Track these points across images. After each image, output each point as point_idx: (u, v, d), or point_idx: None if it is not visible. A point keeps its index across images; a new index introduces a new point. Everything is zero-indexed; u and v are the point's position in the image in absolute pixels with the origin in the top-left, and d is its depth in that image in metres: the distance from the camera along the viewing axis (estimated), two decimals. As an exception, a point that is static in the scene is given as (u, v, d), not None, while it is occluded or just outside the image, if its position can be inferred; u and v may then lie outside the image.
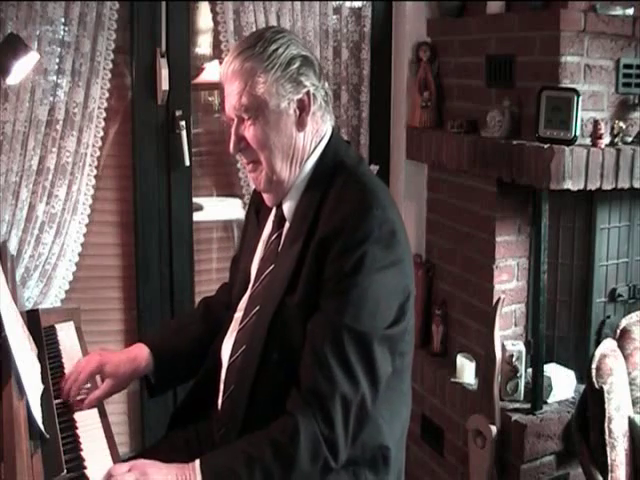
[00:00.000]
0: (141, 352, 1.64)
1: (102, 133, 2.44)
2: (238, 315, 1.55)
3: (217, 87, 2.73)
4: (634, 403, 2.04)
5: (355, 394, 1.31)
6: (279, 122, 1.41)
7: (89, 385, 1.61)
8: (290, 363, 1.36)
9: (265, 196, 1.52)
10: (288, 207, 1.47)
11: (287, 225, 1.48)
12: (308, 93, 1.42)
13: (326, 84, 1.50)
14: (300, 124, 1.43)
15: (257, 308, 1.47)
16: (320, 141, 1.47)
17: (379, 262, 1.33)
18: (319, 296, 1.35)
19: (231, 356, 1.50)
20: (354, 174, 1.43)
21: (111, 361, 1.61)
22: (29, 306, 2.37)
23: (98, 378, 1.62)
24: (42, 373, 1.58)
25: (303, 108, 1.42)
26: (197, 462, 1.28)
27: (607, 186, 2.22)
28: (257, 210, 1.63)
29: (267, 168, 1.43)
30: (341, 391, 1.30)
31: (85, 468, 1.32)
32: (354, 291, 1.31)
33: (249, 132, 1.41)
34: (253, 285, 1.53)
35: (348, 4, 2.76)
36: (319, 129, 1.46)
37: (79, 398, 1.57)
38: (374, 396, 1.35)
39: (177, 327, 1.77)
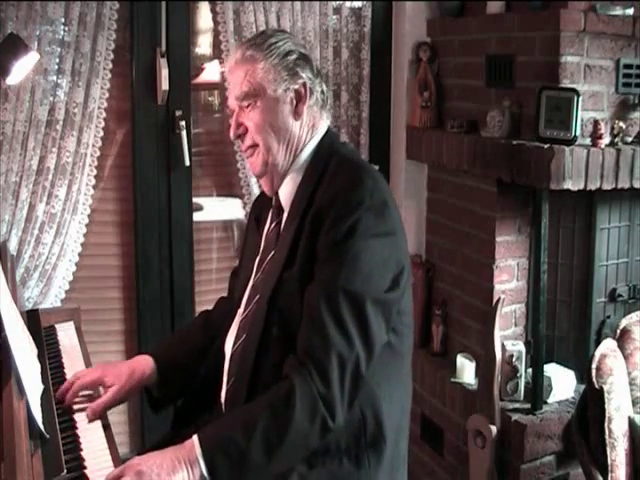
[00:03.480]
0: (144, 361, 1.64)
1: (102, 133, 2.44)
2: (241, 310, 1.56)
3: (217, 87, 2.74)
4: (634, 403, 2.04)
5: (350, 353, 1.32)
6: (276, 108, 1.47)
7: (90, 392, 1.59)
8: (290, 341, 1.37)
9: (262, 182, 1.57)
10: (285, 196, 1.52)
11: (285, 214, 1.51)
12: (304, 85, 1.48)
13: (324, 86, 1.55)
14: (296, 113, 1.49)
15: (258, 296, 1.49)
16: (316, 135, 1.52)
17: (371, 229, 1.36)
18: (315, 266, 1.37)
19: (233, 346, 1.52)
20: (348, 158, 1.50)
21: (112, 372, 1.60)
22: (29, 306, 2.37)
23: (101, 389, 1.61)
24: (42, 373, 1.58)
25: (300, 98, 1.49)
26: (195, 436, 1.28)
27: (607, 186, 2.22)
28: (257, 217, 1.66)
29: (264, 149, 1.49)
30: (336, 349, 1.31)
31: (85, 468, 1.32)
32: (347, 255, 1.34)
33: (248, 118, 1.48)
34: (255, 275, 1.56)
35: (348, 4, 2.76)
36: (316, 123, 1.52)
37: (77, 407, 1.54)
38: (368, 358, 1.35)
39: (178, 339, 1.78)
